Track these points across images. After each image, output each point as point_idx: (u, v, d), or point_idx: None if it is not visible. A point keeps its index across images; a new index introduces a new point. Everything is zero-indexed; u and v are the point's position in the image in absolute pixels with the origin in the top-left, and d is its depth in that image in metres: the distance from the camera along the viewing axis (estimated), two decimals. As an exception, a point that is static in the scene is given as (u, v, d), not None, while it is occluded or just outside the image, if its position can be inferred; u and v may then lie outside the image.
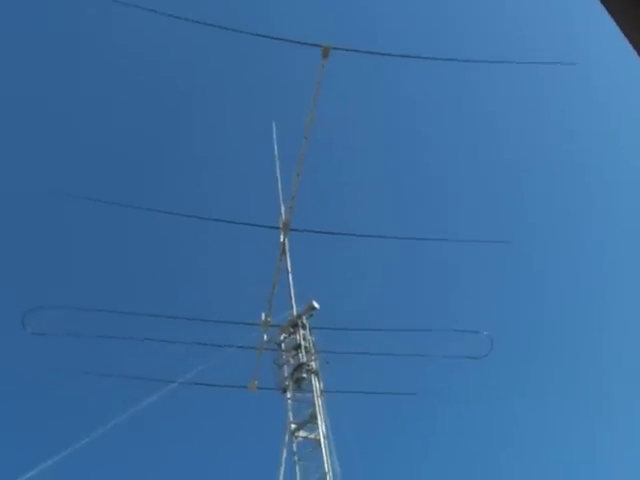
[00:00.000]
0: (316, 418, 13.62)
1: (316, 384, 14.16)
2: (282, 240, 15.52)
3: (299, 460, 13.20)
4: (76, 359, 15.92)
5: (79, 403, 22.06)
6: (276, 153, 16.48)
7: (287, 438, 13.46)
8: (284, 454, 13.20)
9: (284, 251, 15.56)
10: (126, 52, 26.33)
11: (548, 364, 25.91)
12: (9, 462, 21.75)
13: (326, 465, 12.88)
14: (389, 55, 12.41)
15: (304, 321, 15.05)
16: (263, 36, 11.66)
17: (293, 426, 13.65)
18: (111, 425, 13.50)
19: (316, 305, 15.12)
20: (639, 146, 26.99)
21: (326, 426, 13.52)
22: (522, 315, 27.41)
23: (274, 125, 16.77)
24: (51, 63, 26.09)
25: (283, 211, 15.62)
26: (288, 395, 14.12)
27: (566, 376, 25.92)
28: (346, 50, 11.74)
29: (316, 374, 14.33)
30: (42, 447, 22.71)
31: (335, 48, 11.39)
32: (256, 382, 14.85)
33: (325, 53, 11.32)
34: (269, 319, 15.22)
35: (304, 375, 14.25)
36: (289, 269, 15.50)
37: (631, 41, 3.76)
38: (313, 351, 14.67)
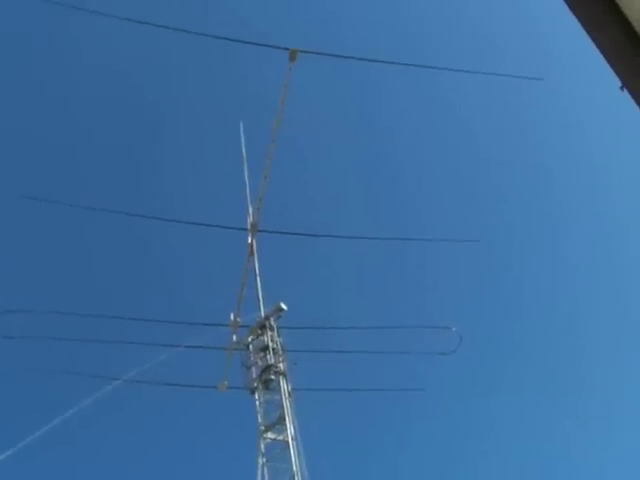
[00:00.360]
0: (284, 419, 13.66)
1: (284, 386, 14.19)
2: (250, 241, 15.52)
3: (268, 462, 13.23)
4: (46, 361, 15.87)
5: (47, 402, 21.88)
6: (244, 154, 16.50)
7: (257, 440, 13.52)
8: (259, 457, 13.25)
9: (252, 252, 15.56)
10: (93, 58, 26.13)
11: (518, 359, 26.25)
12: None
13: (294, 467, 12.91)
14: (356, 59, 12.48)
15: (272, 323, 15.08)
16: (231, 39, 11.66)
17: (262, 428, 13.68)
18: (58, 421, 13.43)
19: (284, 307, 15.16)
20: (606, 152, 27.46)
21: (295, 427, 13.56)
22: (493, 311, 27.74)
23: (241, 125, 16.79)
24: (18, 70, 25.82)
25: (251, 212, 15.62)
26: (257, 397, 14.14)
27: (537, 370, 26.25)
28: (313, 53, 11.82)
29: (284, 375, 14.35)
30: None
31: (302, 51, 11.42)
32: (226, 382, 14.86)
33: (292, 56, 11.33)
34: (238, 320, 15.23)
35: (272, 377, 14.27)
36: (257, 270, 15.52)
37: (594, 41, 3.85)
38: (281, 352, 14.69)
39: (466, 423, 25.40)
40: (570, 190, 28.64)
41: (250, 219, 15.59)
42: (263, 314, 15.16)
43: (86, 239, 24.30)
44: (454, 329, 15.73)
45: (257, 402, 14.04)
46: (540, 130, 27.85)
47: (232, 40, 11.52)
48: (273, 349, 14.65)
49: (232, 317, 15.14)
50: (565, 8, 3.94)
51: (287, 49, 11.33)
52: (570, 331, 27.09)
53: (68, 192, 22.96)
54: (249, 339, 14.99)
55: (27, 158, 25.55)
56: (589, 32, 3.88)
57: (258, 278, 15.51)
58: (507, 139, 28.25)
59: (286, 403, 13.89)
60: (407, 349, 15.70)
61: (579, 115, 27.97)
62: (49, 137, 25.94)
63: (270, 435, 13.60)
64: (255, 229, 15.49)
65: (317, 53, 11.94)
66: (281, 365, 14.51)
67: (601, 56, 3.80)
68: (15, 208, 21.17)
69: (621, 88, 3.73)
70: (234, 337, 15.10)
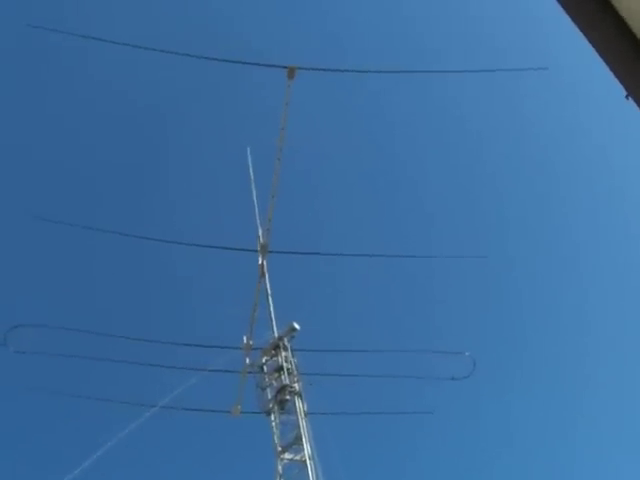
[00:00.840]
0: (301, 439, 13.56)
1: (300, 405, 14.10)
2: (260, 262, 15.52)
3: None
4: (56, 378, 15.93)
5: (58, 423, 21.92)
6: (252, 176, 16.56)
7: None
8: (277, 478, 13.16)
9: (263, 273, 15.55)
10: (93, 83, 26.38)
11: (531, 382, 25.87)
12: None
13: (313, 486, 12.80)
14: (356, 72, 12.49)
15: (285, 343, 15.01)
16: (227, 61, 11.70)
17: (279, 448, 13.58)
18: (103, 450, 13.45)
19: (297, 326, 15.09)
20: (616, 151, 27.16)
21: (311, 447, 13.46)
22: (502, 329, 27.40)
23: (248, 150, 16.88)
24: (23, 91, 26.15)
25: (261, 233, 15.64)
26: (272, 418, 14.05)
27: (550, 393, 25.86)
28: (312, 70, 11.85)
29: (299, 395, 14.27)
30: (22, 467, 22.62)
31: (300, 68, 11.44)
32: (239, 406, 14.80)
33: (291, 74, 11.35)
34: (251, 342, 15.18)
35: (287, 397, 14.19)
36: (269, 291, 15.49)
37: (588, 39, 3.80)
38: (295, 373, 14.61)
39: (477, 446, 25.13)
40: (580, 198, 28.36)
41: (260, 240, 15.62)
42: (276, 335, 15.11)
43: (96, 260, 24.37)
44: (467, 354, 15.64)
45: (273, 423, 13.95)
46: (550, 135, 27.65)
47: (228, 61, 11.58)
48: (288, 369, 14.58)
49: (245, 340, 15.12)
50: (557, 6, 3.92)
51: (285, 67, 11.38)
52: (584, 350, 26.72)
53: (79, 214, 23.23)
54: (263, 360, 14.93)
55: (38, 180, 25.79)
56: (583, 30, 3.85)
57: (270, 299, 15.49)
58: (515, 148, 28.10)
59: (302, 423, 13.79)
60: (420, 373, 15.63)
61: (583, 114, 27.65)
62: (60, 159, 26.20)
63: (287, 456, 13.50)
64: (265, 250, 15.49)
65: (315, 69, 11.96)
66: (296, 385, 14.43)
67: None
68: (27, 228, 21.34)
69: (626, 97, 3.68)
70: (247, 360, 15.07)
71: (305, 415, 13.99)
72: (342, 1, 28.07)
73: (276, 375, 14.58)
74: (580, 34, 3.82)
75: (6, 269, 24.59)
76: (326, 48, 25.31)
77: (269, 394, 14.39)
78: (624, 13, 3.57)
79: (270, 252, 15.50)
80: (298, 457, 13.40)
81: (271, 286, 15.51)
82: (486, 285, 25.37)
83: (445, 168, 27.79)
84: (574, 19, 3.83)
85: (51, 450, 23.11)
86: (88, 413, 17.66)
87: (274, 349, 14.95)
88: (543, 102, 26.68)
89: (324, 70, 12.09)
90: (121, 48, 12.38)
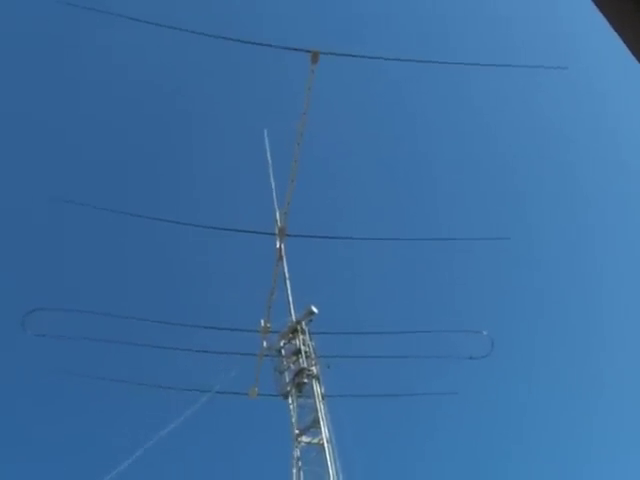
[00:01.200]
0: (319, 422, 13.63)
1: (317, 389, 14.16)
2: (278, 246, 15.54)
3: (303, 465, 13.21)
4: (74, 362, 16.03)
5: (78, 405, 22.09)
6: (269, 160, 16.54)
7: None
8: (295, 460, 13.24)
9: (281, 257, 15.57)
10: (116, 62, 26.40)
11: (550, 362, 25.91)
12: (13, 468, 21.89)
13: (330, 469, 12.87)
14: (379, 58, 12.43)
15: (303, 326, 15.05)
16: (251, 43, 11.65)
17: (296, 431, 13.66)
18: (157, 438, 13.62)
19: (315, 310, 15.12)
20: (634, 145, 27.08)
21: (329, 430, 13.53)
22: (523, 312, 27.43)
23: (265, 133, 16.84)
24: (47, 72, 26.16)
25: (278, 217, 15.64)
26: (290, 401, 14.13)
27: (568, 373, 25.91)
28: (335, 54, 11.80)
29: (317, 379, 14.32)
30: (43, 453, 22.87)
31: (324, 53, 11.41)
32: (256, 389, 14.86)
33: (314, 58, 11.32)
34: (268, 325, 15.23)
35: (305, 380, 14.25)
36: (286, 275, 15.51)
37: (621, 36, 3.77)
38: (313, 356, 14.67)
39: (498, 427, 25.19)
40: (601, 185, 28.29)
41: (278, 224, 15.62)
42: (294, 318, 15.16)
43: (118, 243, 24.48)
44: (485, 333, 15.63)
45: (291, 406, 14.03)
46: (568, 123, 27.58)
47: (253, 43, 11.54)
48: (305, 352, 14.64)
49: (262, 323, 15.17)
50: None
51: (309, 51, 11.34)
52: (605, 331, 26.76)
53: (101, 198, 23.28)
54: (281, 343, 14.99)
55: (56, 161, 25.89)
56: (616, 29, 3.82)
57: (288, 282, 15.52)
58: (535, 132, 27.96)
59: (320, 406, 13.85)
60: (438, 353, 15.64)
61: (605, 105, 27.58)
62: (78, 141, 26.26)
63: (305, 439, 13.57)
64: (283, 233, 15.50)
65: (339, 54, 11.92)
66: (314, 368, 14.48)
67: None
68: (45, 210, 21.42)
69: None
70: (264, 343, 15.13)
71: (323, 398, 14.05)
72: None
73: (294, 358, 14.63)
74: (607, 34, 3.79)
75: (26, 252, 24.76)
76: (348, 35, 25.14)
77: (287, 377, 14.46)
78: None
79: (288, 235, 15.51)
80: (316, 440, 13.48)
81: (289, 269, 15.57)
82: (508, 266, 25.35)
83: (464, 154, 27.74)
84: (609, 18, 3.80)
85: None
86: (108, 395, 17.74)
87: (292, 332, 15.00)
88: (561, 100, 26.59)
89: (347, 55, 12.08)
90: (145, 27, 12.34)
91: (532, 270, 26.88)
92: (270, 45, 11.74)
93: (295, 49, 11.55)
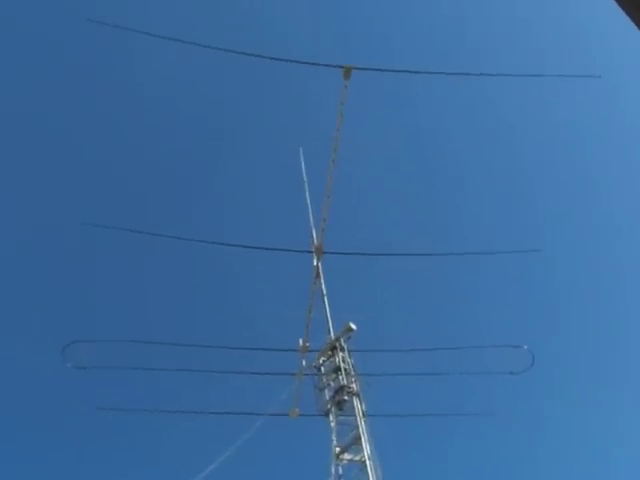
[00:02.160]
0: (360, 440, 13.53)
1: (358, 406, 14.07)
2: (315, 264, 15.54)
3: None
4: (116, 392, 16.08)
5: (124, 438, 22.15)
6: (305, 178, 16.60)
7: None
8: (335, 476, 13.14)
9: (318, 274, 15.56)
10: (149, 83, 26.74)
11: (589, 375, 25.50)
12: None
13: (373, 486, 12.77)
14: (410, 72, 12.43)
15: (342, 343, 15.01)
16: (283, 60, 11.73)
17: (337, 449, 13.57)
18: (221, 460, 13.63)
19: (353, 326, 15.06)
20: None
21: (370, 448, 13.42)
22: (560, 324, 27.06)
23: (301, 151, 16.93)
24: (77, 96, 26.59)
25: (315, 235, 15.65)
26: (331, 418, 14.05)
27: (608, 387, 25.45)
28: (368, 70, 11.82)
29: (357, 396, 14.24)
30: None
31: (356, 68, 11.44)
32: (297, 409, 14.79)
33: (347, 74, 11.36)
34: (307, 344, 15.20)
35: (345, 397, 14.17)
36: (324, 292, 15.49)
37: None
38: (353, 373, 14.60)
39: (539, 443, 24.79)
40: (633, 196, 27.89)
41: (315, 242, 15.63)
42: (333, 335, 15.11)
43: (153, 267, 24.68)
44: (525, 347, 15.42)
45: (332, 424, 13.95)
46: (596, 131, 27.31)
47: (285, 60, 11.61)
48: (345, 370, 14.58)
49: (301, 342, 15.13)
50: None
51: (341, 67, 11.38)
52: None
53: (138, 221, 23.49)
54: (320, 361, 14.94)
55: (88, 185, 26.20)
56: None
57: (326, 299, 15.49)
58: (564, 142, 27.77)
59: (361, 423, 13.76)
60: (478, 369, 15.44)
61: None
62: (111, 165, 26.59)
63: (346, 456, 13.48)
64: (320, 251, 15.49)
65: (371, 69, 11.94)
66: (354, 385, 14.41)
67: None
68: (77, 235, 21.61)
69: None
70: (304, 362, 15.08)
71: (364, 415, 13.96)
72: (395, 4, 27.96)
73: (333, 376, 14.58)
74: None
75: (61, 280, 24.98)
76: (378, 49, 25.24)
77: (327, 395, 14.40)
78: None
79: (325, 253, 15.50)
80: (357, 457, 13.37)
81: (326, 287, 15.54)
82: (541, 278, 25.09)
83: (497, 167, 27.60)
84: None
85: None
86: (154, 425, 17.78)
87: (331, 350, 14.96)
88: (594, 109, 26.38)
89: (380, 70, 12.10)
90: (177, 46, 12.47)
91: (567, 280, 26.60)
92: (302, 62, 11.82)
93: (327, 65, 11.61)
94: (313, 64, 11.71)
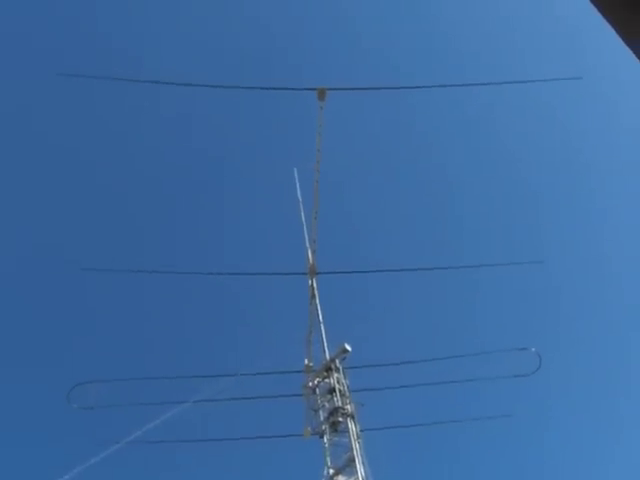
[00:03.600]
0: (354, 461, 13.42)
1: (352, 427, 13.97)
2: (310, 284, 15.55)
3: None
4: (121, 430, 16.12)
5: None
6: (300, 198, 16.62)
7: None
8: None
9: (314, 295, 15.57)
10: (131, 119, 26.99)
11: (595, 378, 25.18)
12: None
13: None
14: (387, 88, 12.42)
15: (337, 364, 14.95)
16: (258, 88, 11.81)
17: (331, 471, 13.47)
18: None
19: (348, 348, 14.99)
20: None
21: (365, 469, 13.30)
22: (566, 333, 26.79)
23: (295, 171, 16.96)
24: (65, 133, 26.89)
25: (310, 255, 15.67)
26: (325, 440, 13.97)
27: (616, 390, 25.11)
28: (342, 89, 11.84)
29: (352, 417, 14.15)
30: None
31: (330, 89, 11.47)
32: (309, 428, 14.70)
33: (321, 95, 11.39)
34: (311, 364, 15.21)
35: (340, 419, 14.08)
36: (319, 313, 15.47)
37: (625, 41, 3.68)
38: (347, 394, 14.52)
39: (547, 448, 24.48)
40: (623, 198, 27.58)
41: (309, 262, 15.65)
42: (328, 356, 15.05)
43: (145, 301, 24.75)
44: (533, 349, 15.20)
45: (325, 445, 13.87)
46: (588, 135, 27.08)
47: (260, 88, 11.67)
48: (340, 391, 14.51)
49: (306, 362, 15.14)
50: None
51: (314, 89, 11.41)
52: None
53: (125, 254, 23.63)
54: (315, 382, 14.89)
55: (82, 225, 26.38)
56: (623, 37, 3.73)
57: (321, 320, 15.46)
58: (556, 147, 27.56)
59: (355, 445, 13.66)
60: (482, 374, 15.28)
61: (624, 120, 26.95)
62: (102, 199, 26.79)
63: (341, 478, 13.37)
64: (314, 272, 15.52)
65: (346, 89, 11.97)
66: (348, 407, 14.32)
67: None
68: (73, 278, 21.76)
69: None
70: (310, 383, 15.04)
71: (358, 437, 13.85)
72: (365, 17, 28.00)
73: (328, 397, 14.51)
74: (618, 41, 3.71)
75: (58, 322, 25.16)
76: (354, 67, 25.28)
77: (321, 416, 14.33)
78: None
79: (318, 273, 15.51)
80: (352, 479, 13.27)
81: (322, 307, 15.52)
82: (544, 289, 24.86)
83: (484, 177, 27.48)
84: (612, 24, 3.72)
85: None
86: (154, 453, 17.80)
87: (326, 371, 14.91)
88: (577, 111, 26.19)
89: (354, 89, 12.11)
90: (152, 85, 12.63)
91: (569, 291, 26.31)
92: (277, 88, 11.87)
93: (302, 89, 11.66)
94: (287, 89, 11.78)
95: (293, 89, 11.63)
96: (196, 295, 23.67)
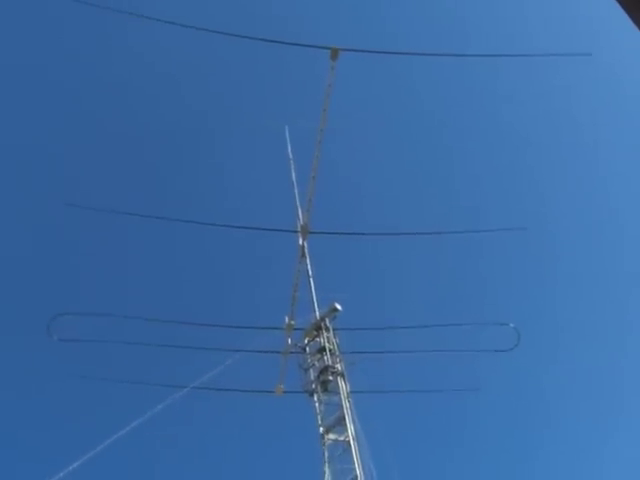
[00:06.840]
0: (344, 420, 13.60)
1: (343, 386, 14.13)
2: (301, 243, 15.52)
3: (330, 463, 13.18)
4: (101, 364, 16.07)
5: (102, 410, 22.14)
6: (290, 157, 16.50)
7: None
8: (322, 458, 13.21)
9: (304, 254, 15.54)
10: (136, 61, 26.49)
11: (574, 353, 25.73)
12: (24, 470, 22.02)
13: (357, 466, 12.85)
14: (399, 54, 12.39)
15: (327, 323, 15.03)
16: (271, 41, 11.62)
17: (322, 429, 13.63)
18: (129, 428, 13.51)
19: (338, 307, 15.08)
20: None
21: (355, 428, 13.49)
22: (545, 303, 27.26)
23: (287, 129, 16.80)
24: (62, 74, 26.32)
25: (301, 214, 15.61)
26: (315, 398, 14.10)
27: (594, 364, 25.72)
28: (355, 51, 11.75)
29: (342, 376, 14.29)
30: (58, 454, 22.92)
31: (344, 49, 11.37)
32: (282, 386, 14.82)
33: (334, 55, 11.29)
34: (292, 322, 15.21)
35: (330, 377, 14.21)
36: (310, 272, 15.48)
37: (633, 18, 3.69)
38: (338, 353, 14.64)
39: (525, 420, 25.05)
40: (622, 173, 28.04)
41: (300, 221, 15.60)
42: (318, 315, 15.12)
43: (139, 245, 24.60)
44: (512, 325, 15.48)
45: (316, 404, 14.01)
46: (590, 112, 27.34)
47: (273, 41, 11.51)
48: (330, 350, 14.61)
49: (287, 320, 15.15)
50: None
51: (329, 48, 11.30)
52: (628, 318, 26.53)
53: (120, 199, 23.37)
54: (305, 341, 14.97)
55: (72, 165, 26.04)
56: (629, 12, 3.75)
57: (311, 280, 15.48)
58: (554, 121, 27.80)
59: (345, 403, 13.82)
60: (463, 347, 15.52)
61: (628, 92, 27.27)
62: (93, 144, 26.39)
63: (331, 436, 13.54)
64: (306, 231, 15.47)
65: (359, 51, 11.87)
66: (339, 366, 14.45)
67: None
68: (63, 216, 21.50)
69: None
70: (289, 340, 15.09)
71: (348, 395, 14.02)
72: None
73: (318, 356, 14.62)
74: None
75: (47, 258, 24.88)
76: (369, 30, 25.03)
77: (312, 375, 14.44)
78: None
79: (310, 233, 15.48)
80: (342, 437, 13.45)
81: (312, 267, 15.53)
82: (526, 257, 25.24)
83: (484, 148, 27.62)
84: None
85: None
86: (128, 397, 17.78)
87: (316, 330, 14.98)
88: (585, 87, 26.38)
89: (367, 52, 12.03)
90: (164, 26, 12.35)
91: (551, 259, 26.75)
92: (290, 43, 11.72)
93: (315, 46, 11.54)
94: (301, 45, 11.64)
95: (307, 45, 11.52)
96: (183, 243, 23.50)
